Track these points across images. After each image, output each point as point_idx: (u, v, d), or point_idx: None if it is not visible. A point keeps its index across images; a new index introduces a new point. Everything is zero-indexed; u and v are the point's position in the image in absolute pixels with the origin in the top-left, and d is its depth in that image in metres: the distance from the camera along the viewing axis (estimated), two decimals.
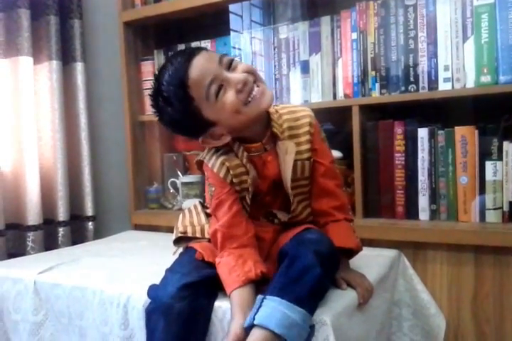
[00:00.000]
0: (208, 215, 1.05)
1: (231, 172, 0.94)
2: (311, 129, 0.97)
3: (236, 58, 0.93)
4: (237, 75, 0.87)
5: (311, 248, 0.82)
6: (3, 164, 1.46)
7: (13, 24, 1.49)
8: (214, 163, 0.94)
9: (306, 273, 0.79)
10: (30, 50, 1.50)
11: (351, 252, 0.97)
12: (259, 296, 0.80)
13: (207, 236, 1.00)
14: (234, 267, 0.87)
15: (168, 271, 0.92)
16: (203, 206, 1.10)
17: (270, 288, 0.80)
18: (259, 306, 0.77)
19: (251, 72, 0.90)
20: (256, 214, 0.98)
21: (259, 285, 0.87)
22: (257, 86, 0.89)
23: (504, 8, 1.15)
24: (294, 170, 0.95)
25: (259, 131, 0.95)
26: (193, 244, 0.99)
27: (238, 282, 0.85)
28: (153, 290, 0.89)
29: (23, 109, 1.49)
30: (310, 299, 0.79)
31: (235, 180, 0.94)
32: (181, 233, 1.02)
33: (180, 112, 0.88)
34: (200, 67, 0.86)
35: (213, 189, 0.96)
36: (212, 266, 0.91)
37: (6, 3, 1.49)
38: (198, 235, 1.02)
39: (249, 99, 0.88)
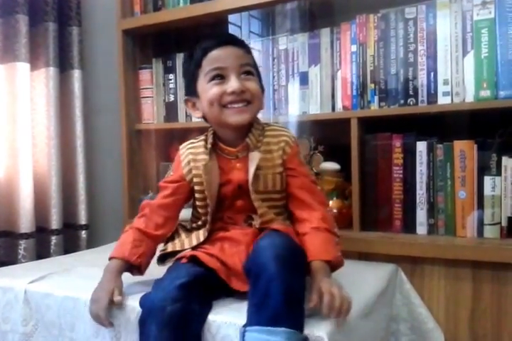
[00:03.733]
0: (186, 230, 1.07)
1: (194, 171, 1.03)
2: (287, 148, 1.02)
3: (253, 77, 1.01)
4: (238, 83, 0.96)
5: (268, 255, 0.81)
6: None
7: (10, 30, 1.48)
8: (184, 153, 1.06)
9: (271, 288, 0.76)
10: (27, 56, 1.49)
11: (331, 265, 0.91)
12: (241, 328, 0.78)
13: (187, 246, 1.01)
14: (130, 243, 0.98)
15: (158, 280, 0.92)
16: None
17: (248, 315, 0.78)
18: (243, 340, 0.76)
19: (252, 94, 0.98)
20: (237, 220, 1.02)
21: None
22: (245, 106, 0.97)
23: (504, 24, 1.15)
24: (264, 182, 0.99)
25: (234, 138, 1.02)
26: (179, 256, 0.98)
27: (119, 255, 0.97)
28: (144, 298, 0.88)
29: (18, 115, 1.48)
30: (287, 313, 0.75)
31: (195, 180, 1.03)
32: (161, 251, 1.03)
33: (190, 66, 1.02)
34: (226, 53, 0.98)
35: (171, 174, 1.08)
36: (201, 265, 0.91)
37: (5, 9, 1.48)
38: (179, 248, 1.01)
39: (229, 105, 0.97)
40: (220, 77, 0.97)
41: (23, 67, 1.48)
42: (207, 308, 0.88)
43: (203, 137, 1.07)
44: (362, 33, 1.33)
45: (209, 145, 1.02)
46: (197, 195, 1.04)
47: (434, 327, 1.16)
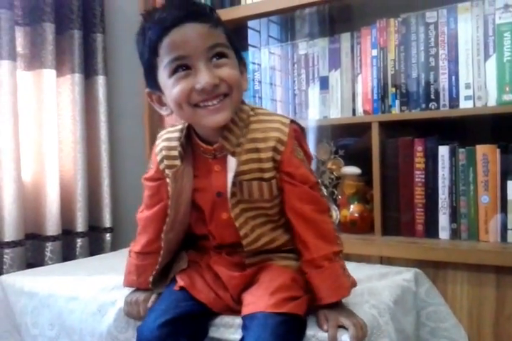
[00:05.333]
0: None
1: (167, 171, 0.89)
2: (279, 146, 0.82)
3: (227, 60, 0.80)
4: (209, 76, 0.76)
5: None
6: (24, 174, 1.47)
7: (38, 38, 1.52)
8: (159, 145, 0.91)
9: None
10: (53, 63, 1.52)
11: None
12: None
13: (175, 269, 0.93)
14: (134, 271, 0.94)
15: (149, 309, 0.88)
16: None
17: None
18: None
19: (229, 84, 0.78)
20: (224, 236, 0.89)
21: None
22: (221, 99, 0.79)
23: None
24: (249, 190, 0.84)
25: (211, 134, 0.85)
26: (176, 274, 0.92)
27: (131, 285, 0.96)
28: (137, 331, 0.83)
29: (45, 121, 1.51)
30: None
31: (168, 180, 0.88)
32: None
33: (144, 53, 0.81)
34: (187, 36, 0.76)
35: (151, 167, 0.93)
36: (194, 300, 0.85)
37: (32, 18, 1.52)
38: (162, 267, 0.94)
39: (201, 104, 0.78)
40: (184, 67, 0.77)
41: (49, 73, 1.52)
42: (199, 337, 0.84)
43: (180, 126, 0.89)
44: (382, 38, 1.33)
45: (179, 148, 0.86)
46: (169, 202, 0.89)
47: (456, 324, 1.14)
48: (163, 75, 0.79)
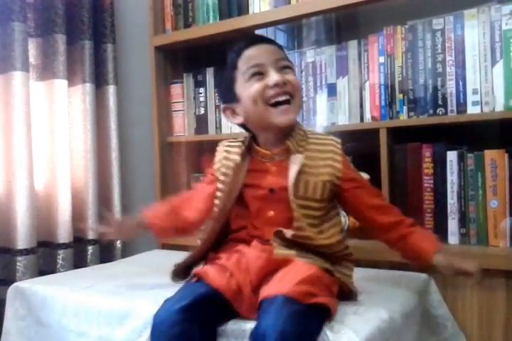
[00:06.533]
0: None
1: (222, 169, 1.03)
2: (336, 156, 0.98)
3: (292, 71, 1.00)
4: (278, 76, 0.95)
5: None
6: (36, 183, 1.49)
7: (49, 48, 1.55)
8: (221, 149, 1.07)
9: None
10: (65, 73, 1.55)
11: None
12: None
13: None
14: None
15: (169, 298, 0.89)
16: None
17: None
18: None
19: (294, 86, 0.97)
20: (264, 232, 0.95)
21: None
22: (288, 102, 0.96)
23: None
24: (304, 187, 0.94)
25: (273, 141, 1.00)
26: (195, 270, 0.97)
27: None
28: (154, 316, 0.86)
29: (56, 130, 1.54)
30: None
31: (220, 178, 1.03)
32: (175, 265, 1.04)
33: (225, 72, 1.01)
34: (260, 50, 0.97)
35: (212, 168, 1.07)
36: (208, 286, 0.89)
37: (44, 29, 1.55)
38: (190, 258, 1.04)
39: (273, 100, 0.95)
40: (258, 74, 0.95)
41: (61, 83, 1.55)
42: (209, 334, 0.85)
43: (241, 139, 1.06)
44: (389, 45, 1.34)
45: (242, 148, 1.02)
46: (218, 194, 1.03)
47: (454, 333, 1.14)
48: (241, 82, 0.98)
